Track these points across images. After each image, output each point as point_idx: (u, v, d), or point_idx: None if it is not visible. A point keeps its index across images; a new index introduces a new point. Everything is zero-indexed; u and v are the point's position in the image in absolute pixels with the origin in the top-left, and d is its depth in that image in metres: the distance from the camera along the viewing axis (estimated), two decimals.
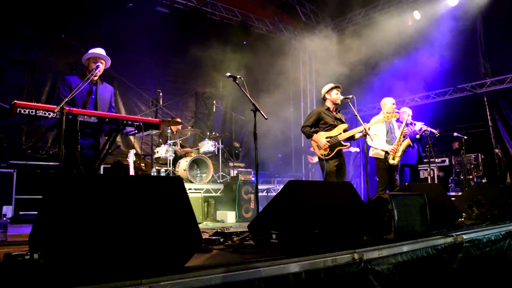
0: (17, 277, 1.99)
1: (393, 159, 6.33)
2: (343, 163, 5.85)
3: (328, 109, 5.96)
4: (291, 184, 3.14)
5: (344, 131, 5.75)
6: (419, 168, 8.73)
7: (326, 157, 5.65)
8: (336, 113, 6.02)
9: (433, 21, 9.84)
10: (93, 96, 4.66)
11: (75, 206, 2.01)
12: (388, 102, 6.63)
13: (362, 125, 5.55)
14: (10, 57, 8.10)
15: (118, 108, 9.48)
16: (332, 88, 5.98)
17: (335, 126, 5.84)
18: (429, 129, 7.05)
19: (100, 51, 4.77)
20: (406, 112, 6.85)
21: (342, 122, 5.95)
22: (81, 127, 4.08)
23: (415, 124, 7.04)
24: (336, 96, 5.95)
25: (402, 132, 6.46)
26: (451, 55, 9.87)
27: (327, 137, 5.74)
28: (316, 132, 5.84)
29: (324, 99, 6.07)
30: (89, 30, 9.07)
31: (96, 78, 4.68)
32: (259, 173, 4.65)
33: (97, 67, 4.56)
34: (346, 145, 5.76)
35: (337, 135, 5.72)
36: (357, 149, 11.46)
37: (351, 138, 5.83)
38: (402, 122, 6.59)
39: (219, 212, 7.15)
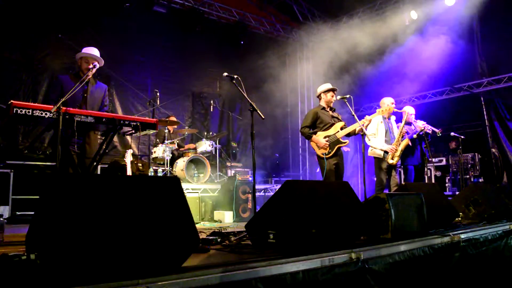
0: (14, 277, 1.98)
1: (392, 158, 6.34)
2: (341, 162, 5.89)
3: (323, 108, 6.01)
4: (288, 184, 3.14)
5: (342, 128, 5.78)
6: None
7: (327, 156, 5.68)
8: (333, 112, 6.06)
9: (430, 21, 9.86)
10: (85, 95, 4.66)
11: (72, 206, 2.01)
12: (387, 102, 6.64)
13: (360, 126, 5.55)
14: (7, 57, 8.07)
15: (115, 108, 9.46)
16: (328, 90, 6.02)
17: (333, 124, 5.87)
18: (431, 128, 7.03)
19: (93, 51, 4.74)
20: (406, 112, 6.80)
21: (339, 120, 5.99)
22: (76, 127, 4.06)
23: (416, 123, 7.02)
24: (331, 98, 6.01)
25: (401, 132, 6.46)
26: (448, 55, 9.89)
27: (325, 136, 5.77)
28: (315, 133, 5.86)
29: (319, 97, 6.11)
30: (86, 29, 9.06)
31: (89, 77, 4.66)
32: (256, 173, 4.65)
33: (89, 69, 4.53)
34: (345, 142, 5.81)
35: (335, 133, 5.76)
36: (348, 149, 11.44)
37: (350, 134, 5.84)
38: (401, 122, 6.59)
39: (217, 212, 7.14)
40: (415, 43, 10.05)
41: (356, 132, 5.83)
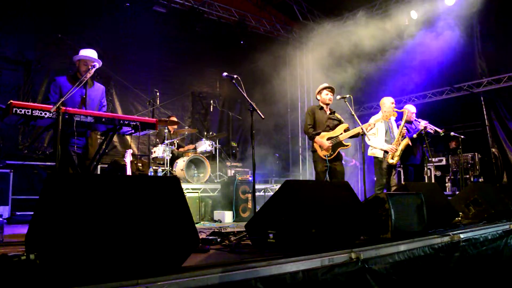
0: (13, 277, 1.98)
1: (392, 158, 6.33)
2: (341, 164, 5.86)
3: (321, 108, 5.97)
4: (288, 183, 3.14)
5: (345, 131, 5.75)
6: None
7: (329, 158, 5.66)
8: (331, 113, 6.01)
9: (430, 20, 9.86)
10: (84, 97, 4.65)
11: (71, 206, 2.01)
12: (387, 102, 6.63)
13: (359, 124, 5.54)
14: (6, 57, 8.06)
15: (114, 108, 9.46)
16: (322, 89, 6.00)
17: (328, 125, 5.84)
18: (434, 128, 7.02)
19: (90, 53, 4.73)
20: (406, 111, 6.77)
21: (339, 122, 5.95)
22: (76, 127, 4.06)
23: (419, 122, 7.01)
24: (326, 96, 5.96)
25: (401, 132, 6.45)
26: (448, 55, 9.89)
27: (328, 138, 5.74)
28: (318, 133, 5.83)
29: (318, 99, 6.10)
30: (85, 29, 9.04)
31: (87, 78, 4.66)
32: (256, 173, 4.64)
33: (88, 70, 4.52)
34: (348, 145, 5.77)
35: (338, 135, 5.72)
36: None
37: (353, 137, 5.82)
38: (401, 122, 6.58)
39: (216, 212, 7.15)
40: (415, 42, 10.05)
41: (359, 135, 5.81)
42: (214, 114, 11.24)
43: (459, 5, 9.37)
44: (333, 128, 5.86)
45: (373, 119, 6.38)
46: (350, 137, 5.80)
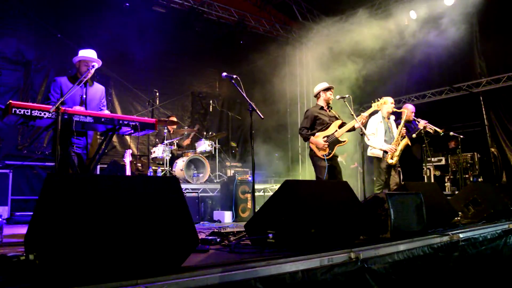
0: (12, 278, 1.98)
1: (392, 158, 6.32)
2: (338, 163, 5.87)
3: (322, 108, 5.96)
4: (287, 183, 3.14)
5: (340, 127, 5.75)
6: None
7: (328, 157, 5.65)
8: (330, 111, 6.02)
9: (429, 20, 9.86)
10: (84, 97, 4.65)
11: (71, 206, 2.01)
12: (387, 102, 6.63)
13: (358, 124, 5.53)
14: (6, 57, 8.06)
15: (114, 108, 9.45)
16: (328, 88, 6.00)
17: (331, 124, 5.84)
18: (433, 128, 7.02)
19: (90, 53, 4.73)
20: (405, 111, 6.77)
21: (337, 119, 5.94)
22: (75, 127, 4.06)
23: (419, 122, 7.01)
24: (330, 96, 5.97)
25: (400, 132, 6.45)
26: (447, 55, 9.90)
27: (324, 137, 5.74)
28: (313, 134, 5.83)
29: (317, 96, 6.07)
30: (85, 29, 9.03)
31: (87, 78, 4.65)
32: (256, 173, 4.64)
33: (88, 70, 4.52)
34: (345, 141, 5.76)
35: (333, 133, 5.72)
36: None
37: (350, 130, 5.82)
38: (400, 122, 6.58)
39: (216, 212, 7.15)
40: (414, 42, 10.04)
41: (356, 128, 5.80)
42: (214, 114, 11.23)
43: (458, 5, 9.37)
44: None
45: (371, 118, 6.39)
46: (347, 132, 5.78)
